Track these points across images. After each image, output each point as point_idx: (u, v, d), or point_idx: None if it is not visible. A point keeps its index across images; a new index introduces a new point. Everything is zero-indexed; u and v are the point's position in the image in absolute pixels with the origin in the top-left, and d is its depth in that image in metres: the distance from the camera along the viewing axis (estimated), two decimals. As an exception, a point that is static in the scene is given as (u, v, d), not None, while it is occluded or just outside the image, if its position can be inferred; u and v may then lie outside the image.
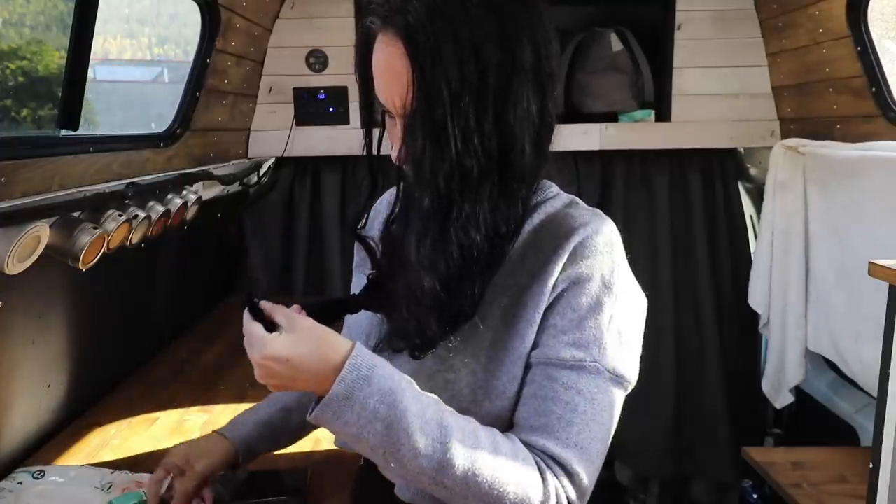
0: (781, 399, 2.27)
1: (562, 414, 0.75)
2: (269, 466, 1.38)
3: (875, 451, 1.19)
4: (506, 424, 0.79)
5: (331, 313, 0.77)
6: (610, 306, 0.78)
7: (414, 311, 0.81)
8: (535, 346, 0.79)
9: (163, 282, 2.10)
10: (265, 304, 0.75)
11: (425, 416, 0.71)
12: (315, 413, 0.71)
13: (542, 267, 0.79)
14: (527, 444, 0.76)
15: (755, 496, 2.56)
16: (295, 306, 0.79)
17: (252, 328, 0.73)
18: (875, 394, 1.21)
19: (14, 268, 1.21)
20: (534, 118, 0.78)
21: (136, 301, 1.96)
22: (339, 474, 1.32)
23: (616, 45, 2.39)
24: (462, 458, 0.71)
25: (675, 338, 2.53)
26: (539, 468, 0.74)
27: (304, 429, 1.14)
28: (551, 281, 0.78)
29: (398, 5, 0.72)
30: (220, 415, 1.60)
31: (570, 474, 0.75)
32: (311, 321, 0.74)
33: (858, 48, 1.81)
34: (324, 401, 0.70)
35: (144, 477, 1.32)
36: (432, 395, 0.75)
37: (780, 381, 2.26)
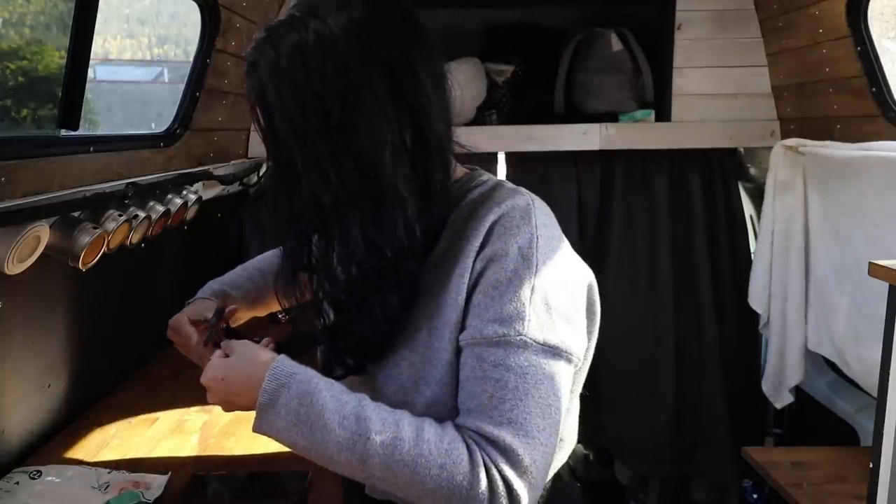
0: (781, 399, 2.26)
1: (493, 392, 0.75)
2: (269, 469, 1.38)
3: (875, 451, 1.19)
4: (449, 410, 0.80)
5: (295, 347, 0.86)
6: (530, 279, 0.77)
7: (324, 345, 0.89)
8: (463, 329, 0.80)
9: (163, 282, 2.10)
10: (223, 343, 0.86)
11: (343, 412, 0.75)
12: (254, 425, 0.77)
13: (463, 251, 0.81)
14: (462, 428, 0.76)
15: (755, 496, 2.56)
16: (265, 339, 0.89)
17: (209, 357, 0.85)
18: (875, 394, 1.21)
19: (14, 268, 1.21)
20: (403, 141, 0.78)
21: (136, 301, 1.96)
22: (339, 477, 1.32)
23: (616, 45, 2.39)
24: (381, 447, 0.73)
25: (675, 337, 2.53)
26: (469, 450, 0.74)
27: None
28: (470, 262, 0.80)
29: (252, 64, 0.80)
30: (220, 415, 1.60)
31: (506, 452, 0.73)
32: (249, 344, 0.84)
33: (858, 48, 1.81)
34: (256, 411, 0.76)
35: (142, 477, 1.32)
36: (358, 393, 0.78)
37: (780, 381, 2.25)
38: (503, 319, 0.76)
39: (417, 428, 0.75)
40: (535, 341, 0.76)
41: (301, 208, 0.81)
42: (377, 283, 0.81)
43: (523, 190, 0.86)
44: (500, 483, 0.73)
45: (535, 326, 0.76)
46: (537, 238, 0.79)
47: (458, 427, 0.77)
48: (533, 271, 0.78)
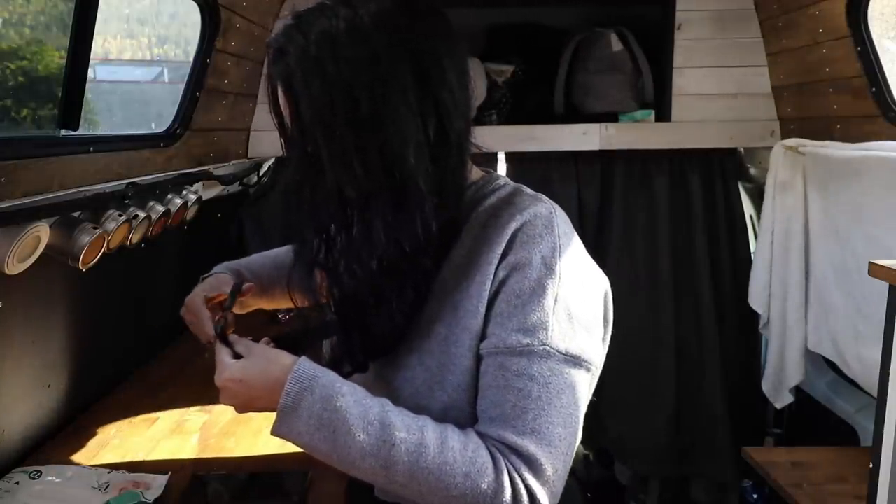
0: (781, 399, 2.26)
1: (516, 402, 0.75)
2: (269, 469, 1.38)
3: (875, 451, 1.19)
4: (466, 416, 0.80)
5: (295, 344, 0.84)
6: (553, 288, 0.78)
7: (337, 340, 0.88)
8: (484, 337, 0.80)
9: (163, 282, 2.10)
10: (232, 337, 0.83)
11: (367, 418, 0.74)
12: (273, 428, 0.76)
13: (484, 258, 0.80)
14: (485, 436, 0.76)
15: (755, 496, 2.56)
16: (264, 339, 0.86)
17: (219, 355, 0.81)
18: (875, 394, 1.21)
19: (14, 268, 1.21)
20: (426, 137, 0.78)
21: (136, 301, 1.96)
22: (338, 477, 1.32)
23: (616, 45, 2.39)
24: (406, 454, 0.73)
25: (675, 338, 2.52)
26: (493, 458, 0.74)
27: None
28: (492, 270, 0.79)
29: (280, 50, 0.78)
30: (220, 415, 1.60)
31: (530, 461, 0.74)
32: (265, 348, 0.81)
33: (858, 48, 1.81)
34: (277, 414, 0.75)
35: (142, 477, 1.32)
36: (380, 398, 0.78)
37: (780, 381, 2.25)
38: (527, 329, 0.76)
39: (441, 435, 0.75)
40: (557, 351, 0.76)
41: (324, 200, 0.80)
42: (396, 278, 0.81)
43: (543, 197, 0.86)
44: (523, 492, 0.73)
45: (558, 336, 0.77)
46: (560, 247, 0.79)
47: (480, 435, 0.77)
48: (556, 281, 0.78)
